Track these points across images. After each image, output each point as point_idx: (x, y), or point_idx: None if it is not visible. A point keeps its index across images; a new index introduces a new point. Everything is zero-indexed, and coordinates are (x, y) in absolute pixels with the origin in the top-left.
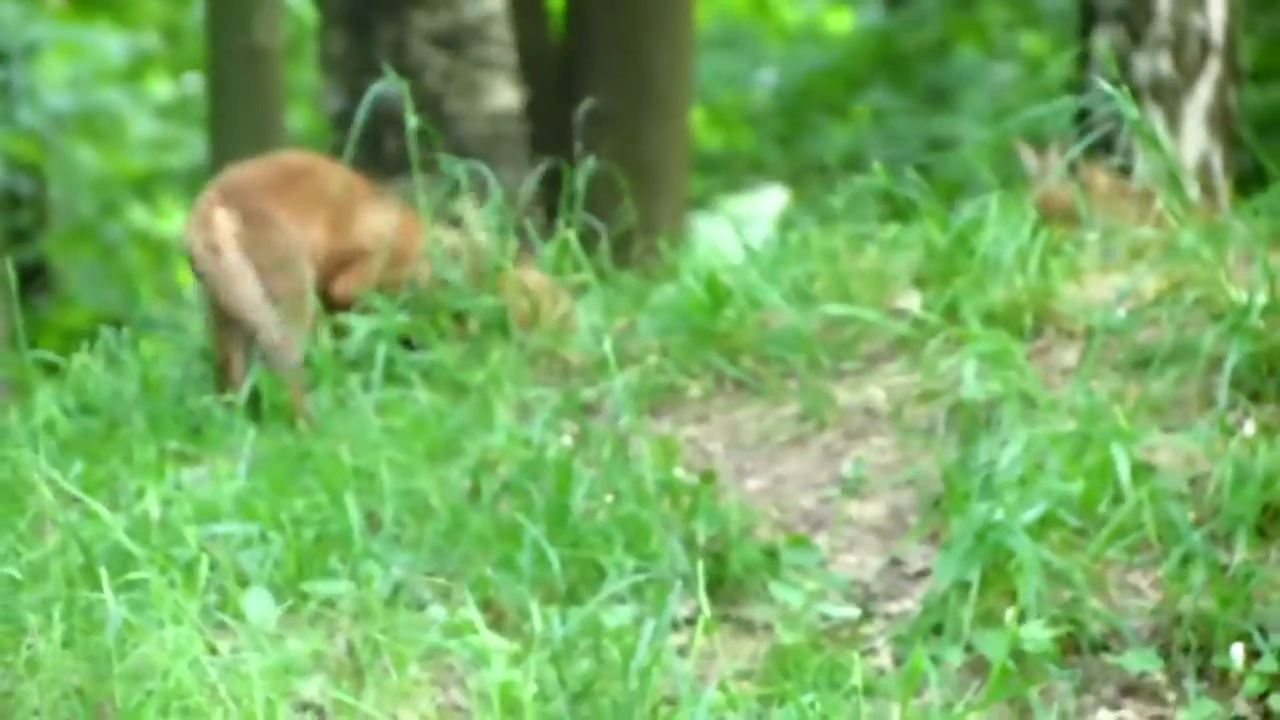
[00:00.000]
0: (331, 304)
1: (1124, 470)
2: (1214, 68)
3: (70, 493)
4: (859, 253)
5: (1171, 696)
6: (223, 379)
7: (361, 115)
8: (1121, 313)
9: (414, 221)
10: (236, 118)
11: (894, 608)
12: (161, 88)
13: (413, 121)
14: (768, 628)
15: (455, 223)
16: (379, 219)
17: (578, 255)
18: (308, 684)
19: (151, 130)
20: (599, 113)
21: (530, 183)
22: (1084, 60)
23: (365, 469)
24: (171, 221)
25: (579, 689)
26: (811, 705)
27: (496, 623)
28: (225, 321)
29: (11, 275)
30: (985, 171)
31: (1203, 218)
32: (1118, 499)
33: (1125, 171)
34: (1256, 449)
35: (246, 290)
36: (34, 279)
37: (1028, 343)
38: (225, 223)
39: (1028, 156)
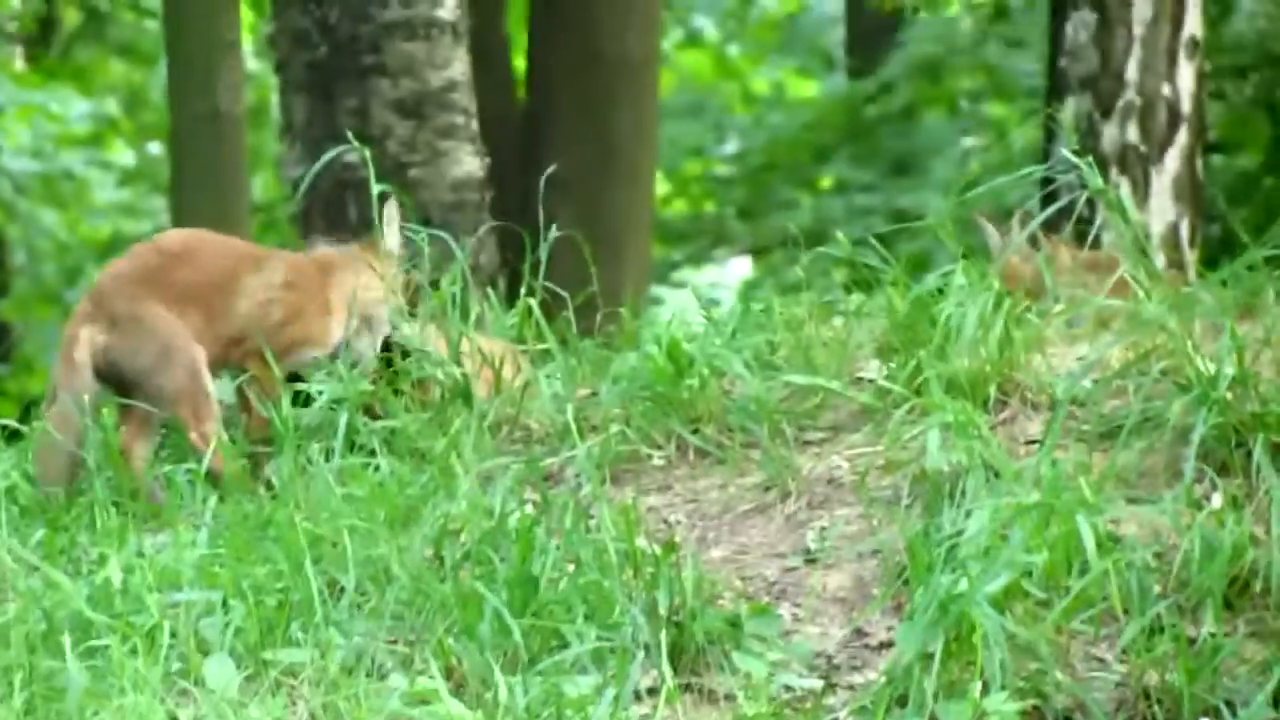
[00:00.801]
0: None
1: (1089, 542)
2: (1182, 138)
3: (30, 560)
4: (822, 322)
5: None
6: (125, 468)
7: (312, 176)
8: (1087, 383)
9: (310, 277)
10: (199, 183)
11: (857, 678)
12: (124, 154)
13: (376, 188)
14: (730, 698)
15: (416, 292)
16: (260, 287)
17: (540, 323)
18: None
19: (114, 196)
20: (562, 179)
21: (492, 250)
22: (1050, 130)
23: (327, 536)
24: None
25: None
26: None
27: (458, 691)
28: (124, 417)
29: None
30: (949, 242)
31: (1169, 288)
32: (1083, 570)
33: (1087, 241)
34: (1224, 521)
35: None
36: None
37: (992, 413)
38: (86, 345)
39: (989, 230)
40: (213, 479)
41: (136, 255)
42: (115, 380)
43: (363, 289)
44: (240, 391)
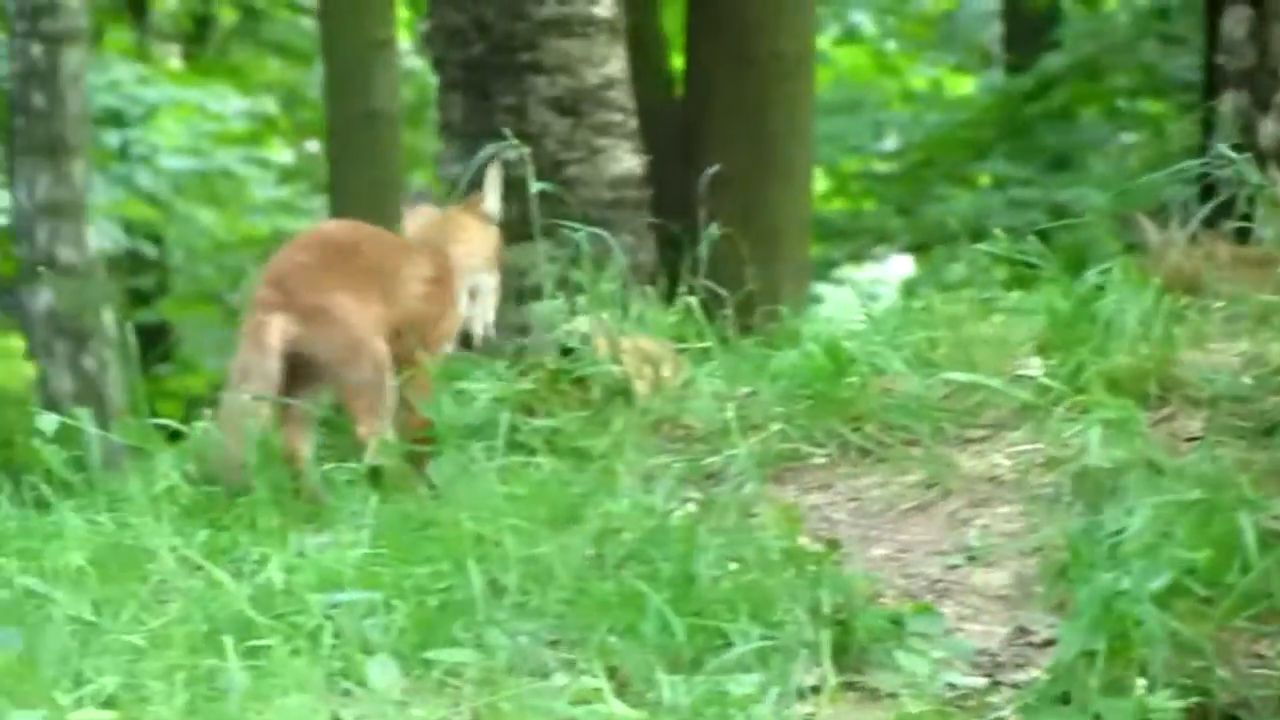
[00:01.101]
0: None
1: (1250, 538)
2: None
3: (193, 560)
4: (982, 319)
5: None
6: (292, 466)
7: (470, 173)
8: (1247, 380)
9: (444, 268)
10: (356, 182)
11: (1020, 677)
12: (282, 152)
13: (535, 187)
14: (893, 696)
15: (578, 290)
16: (415, 278)
17: (700, 322)
18: None
19: (272, 194)
20: (720, 177)
21: (651, 248)
22: (1208, 125)
23: (488, 536)
24: None
25: None
26: None
27: (621, 691)
28: (285, 415)
29: (133, 341)
30: (1108, 239)
31: None
32: (1245, 568)
33: (1247, 237)
34: None
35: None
36: (155, 344)
37: (1152, 410)
38: (278, 333)
39: (1147, 226)
40: (375, 478)
41: (311, 245)
42: (298, 371)
43: (465, 257)
44: (398, 391)
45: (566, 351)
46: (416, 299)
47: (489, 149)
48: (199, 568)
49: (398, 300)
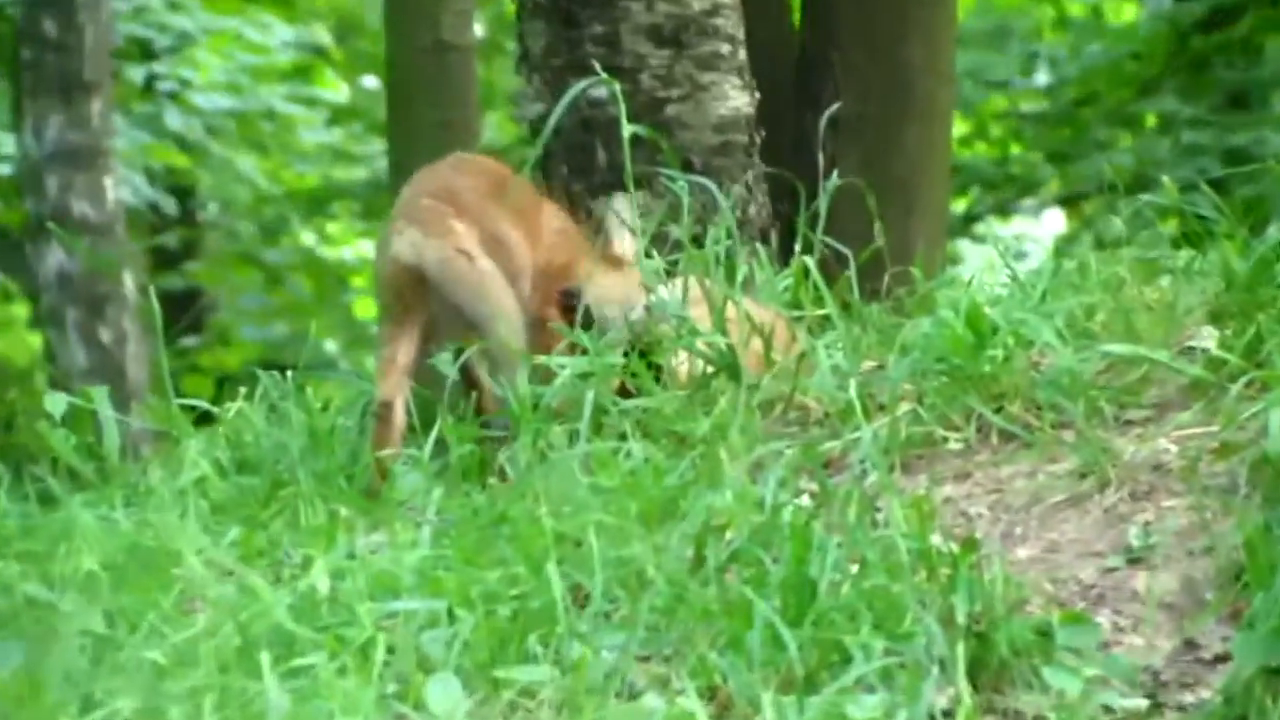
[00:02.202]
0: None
1: None
2: None
3: (224, 564)
4: (1146, 282)
5: None
6: (478, 405)
7: (558, 115)
8: None
9: (573, 234)
10: (422, 125)
11: (1188, 698)
12: (335, 89)
13: (628, 129)
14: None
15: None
16: (548, 229)
17: (819, 284)
18: None
19: (323, 137)
20: (844, 119)
21: (763, 200)
22: None
23: (570, 535)
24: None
25: None
26: None
27: (723, 714)
28: (389, 360)
29: (157, 308)
30: None
31: None
32: None
33: None
34: None
35: (504, 301)
36: (183, 312)
37: None
38: (470, 233)
39: None
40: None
41: (471, 170)
42: (425, 305)
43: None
44: (466, 366)
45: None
46: (549, 249)
47: (578, 87)
48: (231, 573)
49: (540, 247)
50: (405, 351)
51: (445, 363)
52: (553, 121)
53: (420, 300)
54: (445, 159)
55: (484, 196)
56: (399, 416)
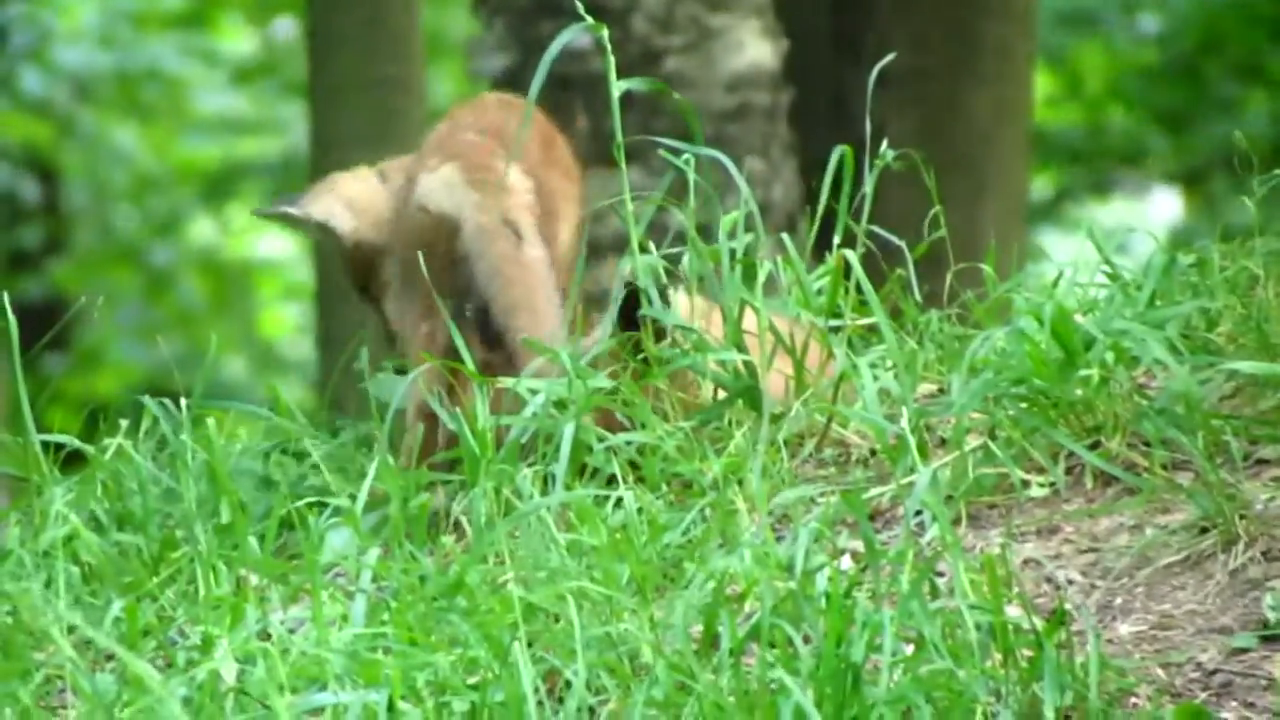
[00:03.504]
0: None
1: None
2: None
3: (101, 645)
4: None
5: None
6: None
7: (541, 75)
8: None
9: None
10: (351, 83)
11: None
12: (238, 42)
13: (618, 87)
14: None
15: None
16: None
17: (863, 285)
18: None
19: (223, 104)
20: (895, 73)
21: (790, 178)
22: None
23: (543, 607)
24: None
25: None
26: None
27: None
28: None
29: (12, 321)
30: None
31: None
32: None
33: None
34: None
35: (544, 302)
36: (45, 327)
37: None
38: (525, 195)
39: None
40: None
41: (518, 110)
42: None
43: None
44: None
45: (631, 323)
46: (574, 229)
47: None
48: (110, 657)
49: (577, 223)
50: (443, 328)
51: (385, 384)
52: (531, 83)
53: (454, 260)
54: (485, 96)
55: (540, 151)
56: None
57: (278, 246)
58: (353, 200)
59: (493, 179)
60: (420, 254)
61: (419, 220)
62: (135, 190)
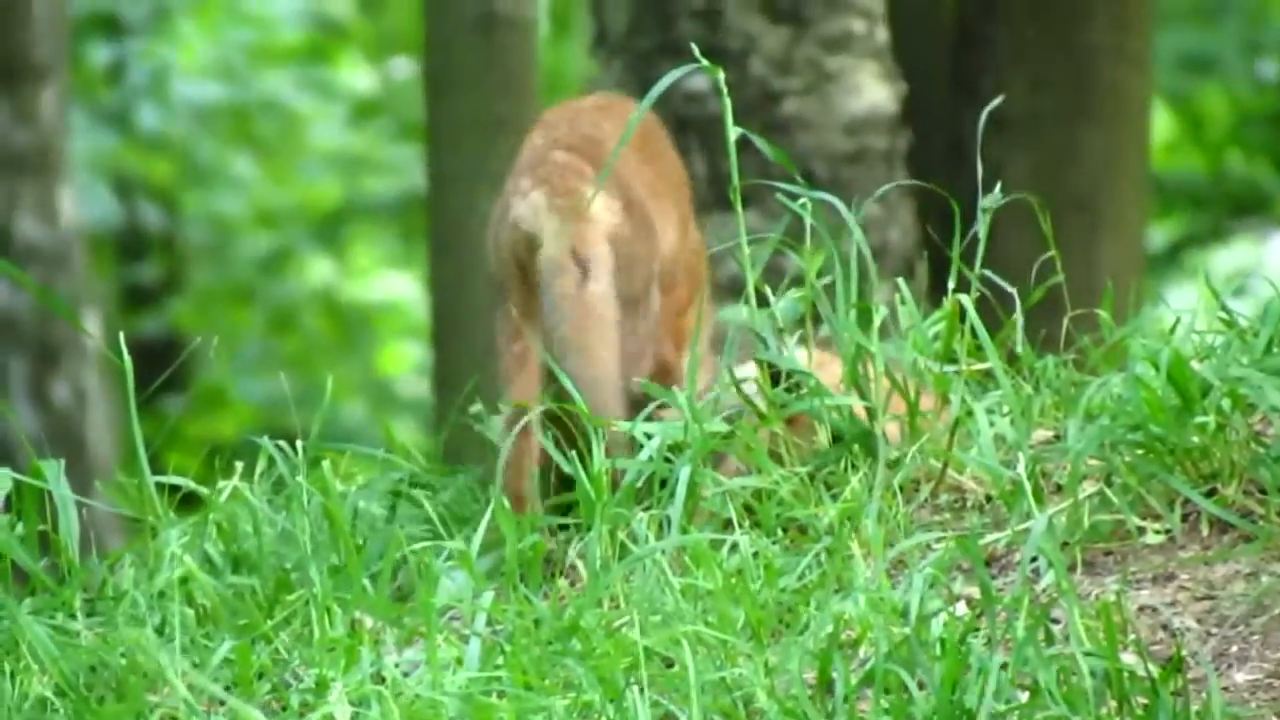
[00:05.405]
0: None
1: None
2: None
3: (213, 690)
4: None
5: None
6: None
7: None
8: None
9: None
10: (466, 117)
11: None
12: (356, 77)
13: (734, 131)
14: None
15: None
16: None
17: (978, 330)
18: None
19: (341, 140)
20: (1012, 117)
21: (907, 221)
22: None
23: (658, 651)
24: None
25: None
26: None
27: None
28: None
29: (128, 360)
30: None
31: None
32: None
33: None
34: None
35: (602, 344)
36: (162, 365)
37: None
38: (607, 219)
39: None
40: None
41: (619, 116)
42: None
43: None
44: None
45: (775, 377)
46: (693, 255)
47: (671, 76)
48: (222, 702)
49: (686, 243)
50: (534, 353)
51: (492, 426)
52: (637, 118)
53: (537, 284)
54: (586, 98)
55: (634, 153)
56: (536, 431)
57: (397, 287)
58: None
59: (572, 205)
60: (519, 271)
61: (513, 237)
62: (253, 226)
